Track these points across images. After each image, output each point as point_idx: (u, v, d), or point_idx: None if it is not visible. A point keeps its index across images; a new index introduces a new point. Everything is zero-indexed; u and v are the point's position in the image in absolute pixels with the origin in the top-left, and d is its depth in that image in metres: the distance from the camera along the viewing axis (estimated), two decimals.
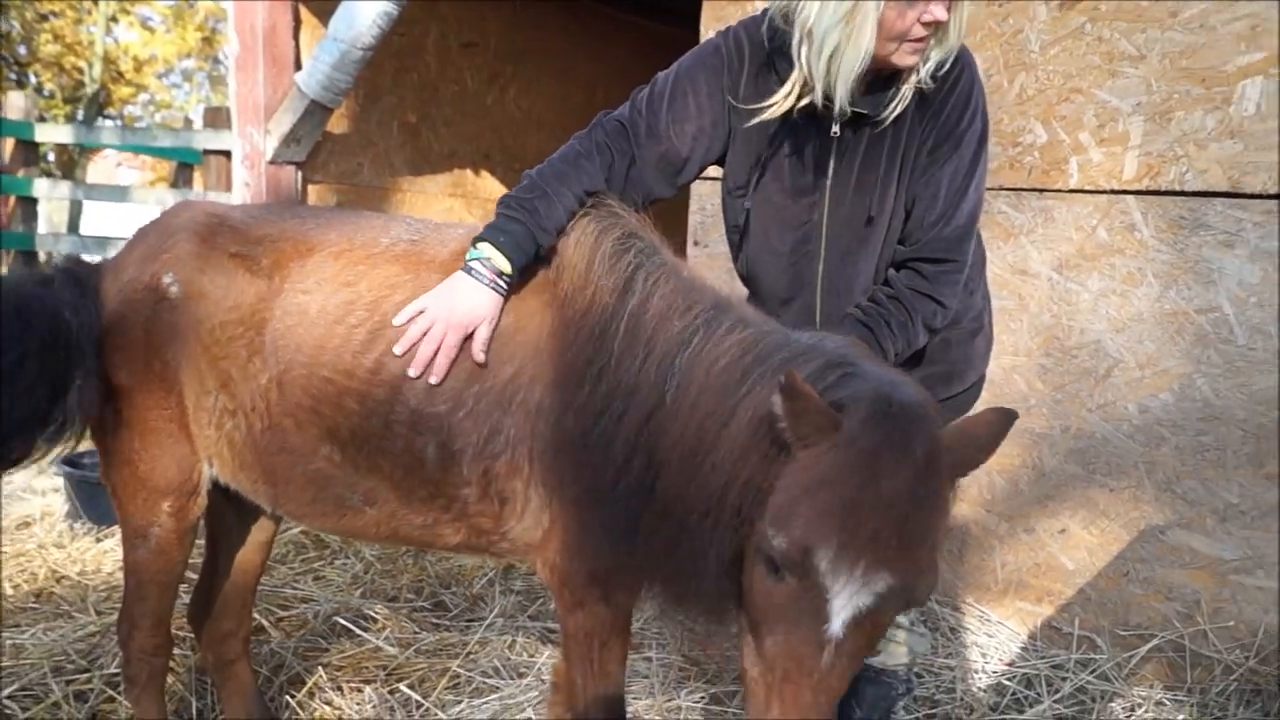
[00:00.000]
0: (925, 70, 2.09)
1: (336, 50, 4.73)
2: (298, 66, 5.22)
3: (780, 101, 2.14)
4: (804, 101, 2.13)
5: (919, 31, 2.00)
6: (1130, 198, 3.33)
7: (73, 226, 16.52)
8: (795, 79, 2.11)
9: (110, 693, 2.92)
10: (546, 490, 2.01)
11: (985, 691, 3.22)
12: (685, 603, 1.84)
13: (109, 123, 27.06)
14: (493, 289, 2.02)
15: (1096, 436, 3.43)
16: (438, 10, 6.41)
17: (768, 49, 2.22)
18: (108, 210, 25.37)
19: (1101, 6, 3.32)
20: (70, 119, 21.43)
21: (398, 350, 2.04)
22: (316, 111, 5.06)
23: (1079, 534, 3.48)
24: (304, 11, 5.34)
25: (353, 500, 2.21)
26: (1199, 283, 3.26)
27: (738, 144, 2.30)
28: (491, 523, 2.12)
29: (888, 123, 2.15)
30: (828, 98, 2.09)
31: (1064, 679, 3.26)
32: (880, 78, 2.13)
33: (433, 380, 2.02)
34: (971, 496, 3.67)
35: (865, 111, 2.13)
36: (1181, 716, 3.06)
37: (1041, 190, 3.47)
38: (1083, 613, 3.48)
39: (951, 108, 2.17)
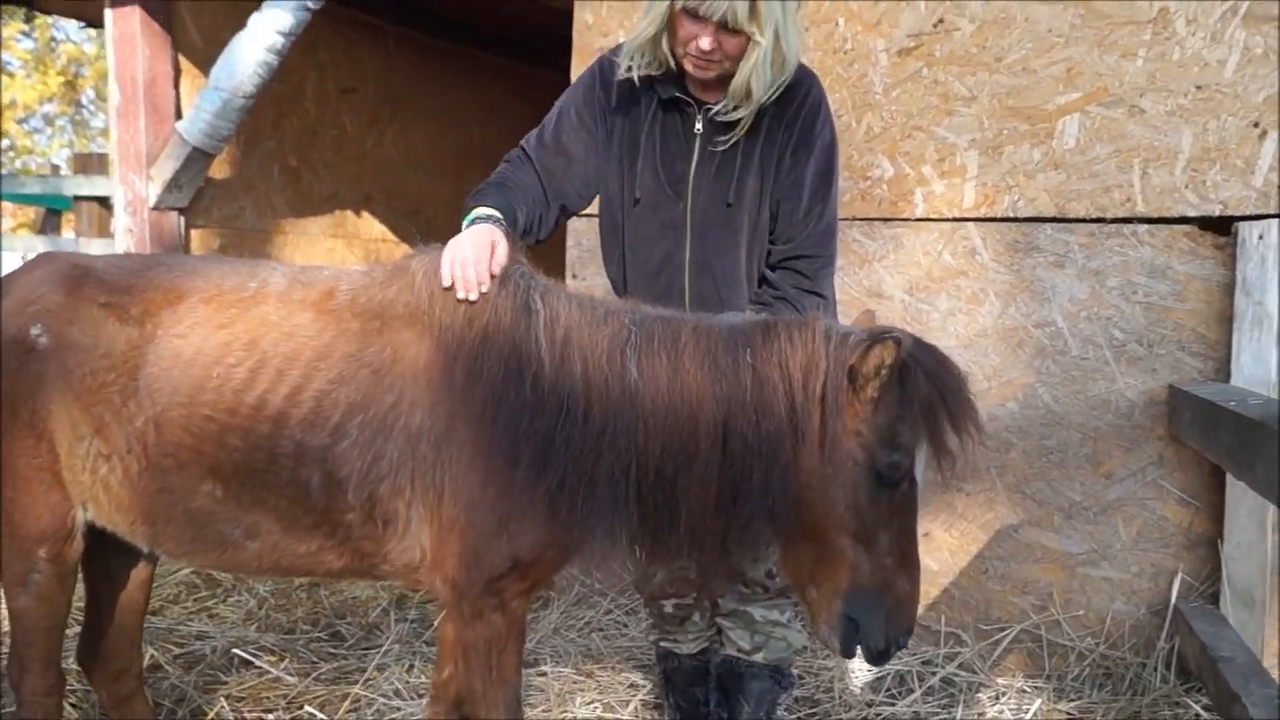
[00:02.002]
0: (726, 105, 2.44)
1: (218, 99, 4.79)
2: (178, 115, 5.25)
3: (620, 64, 2.51)
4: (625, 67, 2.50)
5: (695, 49, 2.34)
6: (970, 224, 3.65)
7: None
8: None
9: None
10: (439, 506, 2.14)
11: (861, 689, 3.45)
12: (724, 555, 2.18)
13: None
14: (488, 222, 2.29)
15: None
16: (316, 57, 6.49)
17: None
18: None
19: (936, 52, 3.64)
20: None
21: (445, 284, 2.18)
22: (198, 158, 5.09)
23: (941, 536, 3.75)
24: (184, 61, 5.38)
25: (234, 535, 2.29)
26: (1035, 300, 3.58)
27: (615, 148, 2.61)
28: (374, 545, 2.24)
29: (736, 130, 2.46)
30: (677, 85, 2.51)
31: (933, 673, 3.50)
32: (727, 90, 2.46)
33: (482, 289, 2.16)
34: None
35: (718, 116, 2.47)
36: (1039, 702, 3.32)
37: (890, 220, 3.76)
38: (948, 610, 3.75)
39: (805, 117, 2.51)
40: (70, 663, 2.82)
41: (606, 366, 2.11)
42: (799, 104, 2.50)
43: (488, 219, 2.32)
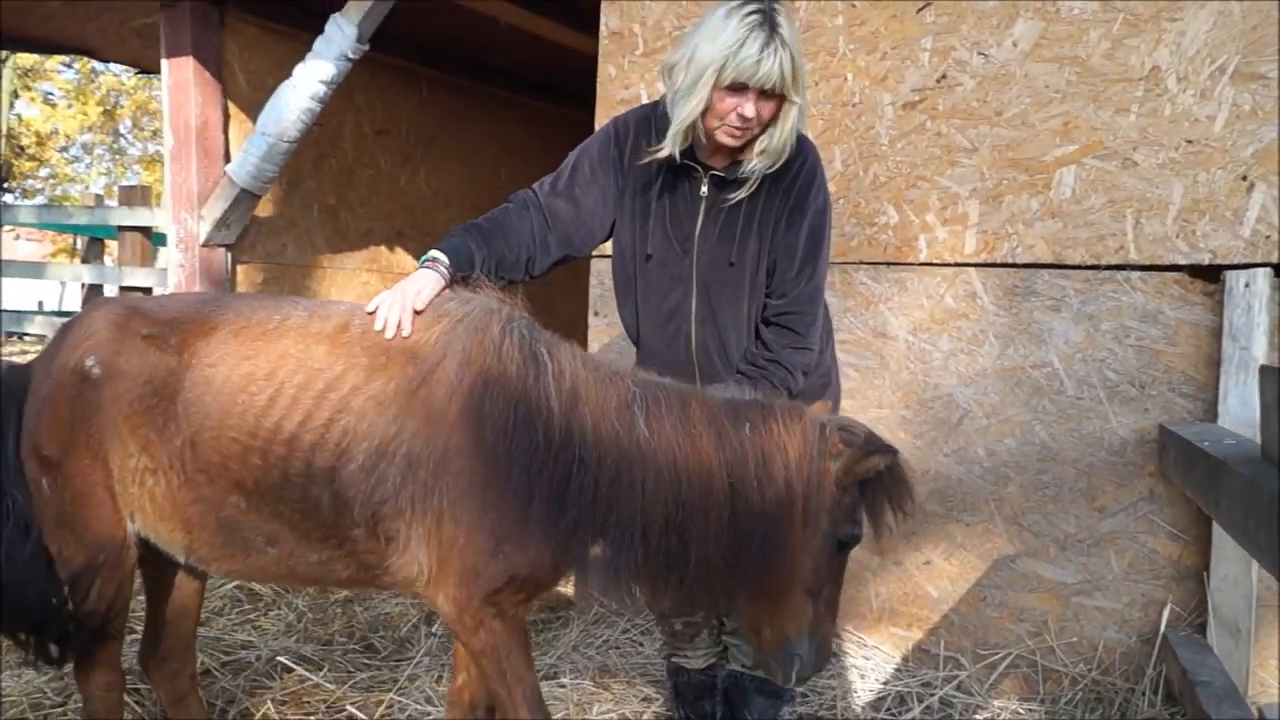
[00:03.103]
0: (760, 163, 2.63)
1: (264, 144, 5.09)
2: (227, 157, 5.57)
3: (665, 147, 2.68)
4: (668, 149, 2.68)
5: (734, 120, 2.54)
6: (971, 269, 3.85)
7: None
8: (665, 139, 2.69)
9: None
10: (438, 527, 2.36)
11: (863, 708, 3.63)
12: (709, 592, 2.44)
13: (25, 202, 26.79)
14: (431, 270, 2.55)
15: (952, 478, 3.90)
16: (353, 101, 6.83)
17: (653, 120, 2.80)
18: (8, 284, 25.02)
19: (939, 106, 3.87)
20: None
21: (376, 326, 2.46)
22: (245, 198, 5.41)
23: (941, 565, 3.93)
24: (233, 107, 5.71)
25: (257, 542, 2.52)
26: (1032, 342, 3.77)
27: (627, 204, 2.84)
28: (377, 559, 2.46)
29: (743, 189, 2.68)
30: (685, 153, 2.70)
31: (932, 694, 3.68)
32: (733, 158, 2.70)
33: (404, 333, 2.43)
34: None
35: (724, 174, 2.70)
36: None
37: (895, 264, 3.98)
38: (947, 635, 3.92)
39: (801, 185, 2.74)
40: (132, 664, 3.07)
41: (616, 421, 2.34)
42: (795, 171, 2.72)
43: (434, 262, 2.59)
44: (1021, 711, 3.62)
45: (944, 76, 3.87)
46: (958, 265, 3.88)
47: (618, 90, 4.39)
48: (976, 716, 3.60)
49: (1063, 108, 3.71)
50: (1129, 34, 3.60)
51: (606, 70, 4.42)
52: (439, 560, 2.38)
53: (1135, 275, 3.64)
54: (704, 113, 2.57)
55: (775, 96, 2.52)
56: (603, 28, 4.47)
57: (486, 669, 2.44)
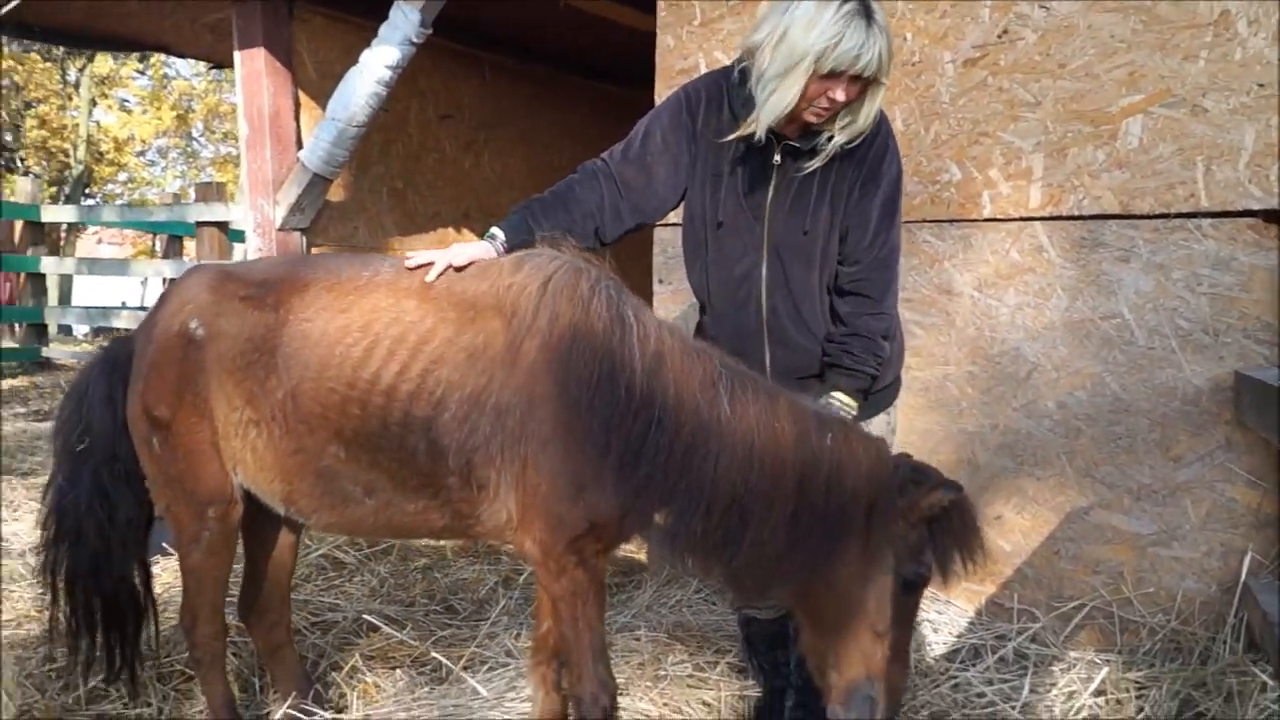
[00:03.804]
0: (839, 139, 2.66)
1: (334, 129, 5.25)
2: (299, 144, 5.75)
3: (745, 127, 2.70)
4: (756, 131, 2.69)
5: (823, 104, 2.58)
6: (1037, 223, 3.84)
7: (63, 299, 17.20)
8: (752, 119, 2.70)
9: (188, 672, 3.41)
10: (524, 474, 2.46)
11: (936, 660, 3.66)
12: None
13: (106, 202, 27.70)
14: (487, 241, 2.72)
15: (1022, 432, 3.90)
16: (418, 86, 6.97)
17: (725, 89, 2.82)
18: (93, 283, 26.05)
19: (1000, 61, 3.86)
20: (55, 199, 22.03)
21: (408, 265, 2.65)
22: (318, 183, 5.58)
23: (1013, 519, 3.93)
24: (303, 96, 5.89)
25: (355, 492, 2.63)
26: (1101, 294, 3.75)
27: (699, 172, 2.87)
28: (469, 507, 2.57)
29: (818, 159, 2.69)
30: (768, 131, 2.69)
31: (1006, 645, 3.68)
32: (808, 129, 2.71)
33: (428, 278, 2.61)
34: None
35: (798, 145, 2.72)
36: (1106, 670, 3.48)
37: (959, 221, 3.97)
38: (1021, 589, 3.92)
39: (875, 154, 2.75)
40: (232, 619, 3.22)
41: (699, 393, 2.40)
42: (869, 141, 2.73)
43: (491, 239, 2.73)
44: (1098, 661, 3.61)
45: (1005, 31, 3.86)
46: (1023, 220, 3.86)
47: (676, 60, 4.44)
48: (1052, 667, 3.61)
49: (1128, 57, 3.67)
50: None
51: (665, 41, 4.47)
52: (525, 506, 2.47)
53: (1206, 222, 3.60)
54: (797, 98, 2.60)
55: (867, 79, 2.56)
56: None
57: (563, 613, 2.54)
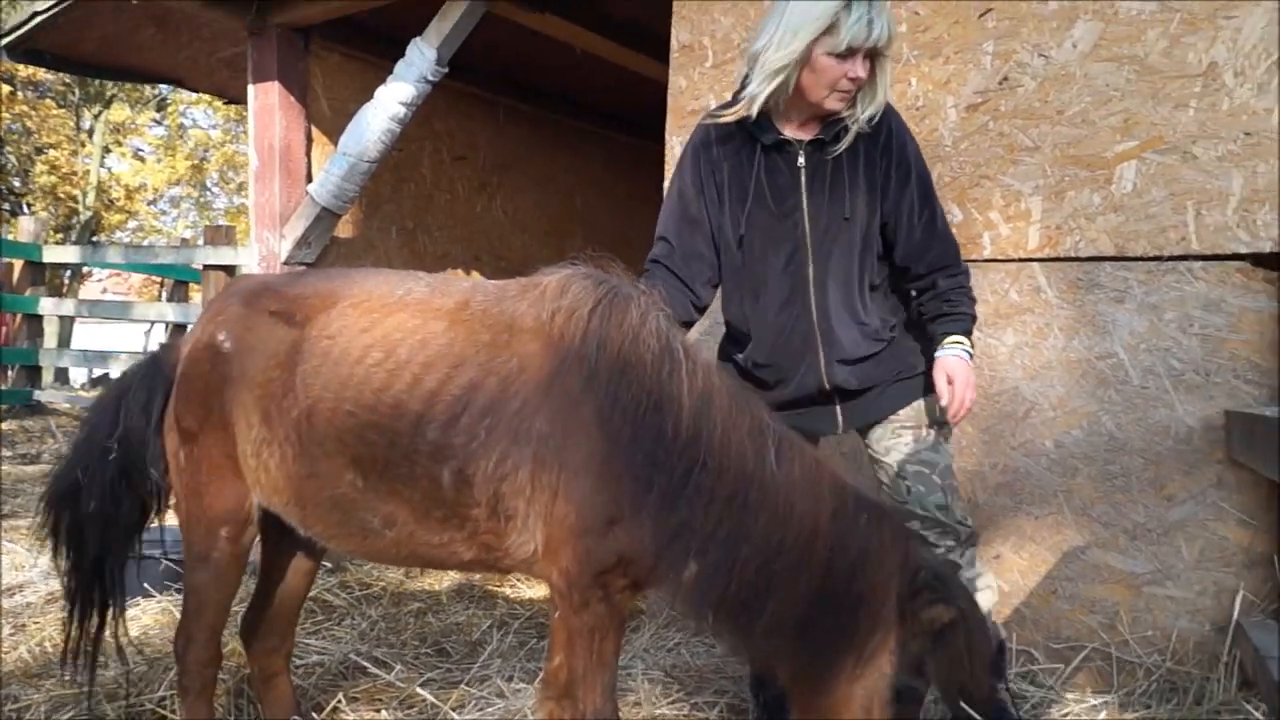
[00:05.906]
0: (863, 117, 2.79)
1: (345, 163, 5.34)
2: (309, 179, 5.84)
3: (738, 110, 2.85)
4: (748, 113, 2.82)
5: (845, 85, 2.68)
6: (1035, 264, 3.91)
7: (63, 342, 16.89)
8: (745, 95, 2.83)
9: (160, 711, 3.28)
10: (552, 504, 2.34)
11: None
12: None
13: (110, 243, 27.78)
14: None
15: (1020, 471, 3.93)
16: (433, 127, 7.11)
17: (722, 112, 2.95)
18: (94, 331, 26.13)
19: (1001, 107, 3.96)
20: (62, 244, 22.15)
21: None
22: (326, 218, 5.65)
23: (1011, 558, 3.95)
24: (315, 132, 6.00)
25: (373, 523, 2.52)
26: (1097, 334, 3.81)
27: (727, 199, 2.95)
28: (497, 539, 2.43)
29: (842, 142, 2.81)
30: (762, 114, 2.82)
31: (1006, 687, 3.67)
32: (826, 121, 2.84)
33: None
34: None
35: (823, 138, 2.83)
36: (1104, 714, 3.47)
37: None
38: (1019, 629, 3.93)
39: (896, 141, 2.92)
40: (230, 638, 3.16)
41: (746, 440, 2.30)
42: (886, 128, 2.88)
43: None
44: (1095, 703, 3.60)
45: (1006, 79, 3.97)
46: (1021, 260, 3.94)
47: (688, 101, 4.55)
48: (1051, 710, 3.59)
49: (1122, 105, 3.77)
50: (1186, 32, 3.66)
51: (677, 82, 4.59)
52: (553, 536, 2.35)
53: (1197, 265, 3.67)
54: (803, 84, 2.72)
55: (877, 54, 2.69)
56: (673, 41, 4.64)
57: (578, 646, 2.41)
